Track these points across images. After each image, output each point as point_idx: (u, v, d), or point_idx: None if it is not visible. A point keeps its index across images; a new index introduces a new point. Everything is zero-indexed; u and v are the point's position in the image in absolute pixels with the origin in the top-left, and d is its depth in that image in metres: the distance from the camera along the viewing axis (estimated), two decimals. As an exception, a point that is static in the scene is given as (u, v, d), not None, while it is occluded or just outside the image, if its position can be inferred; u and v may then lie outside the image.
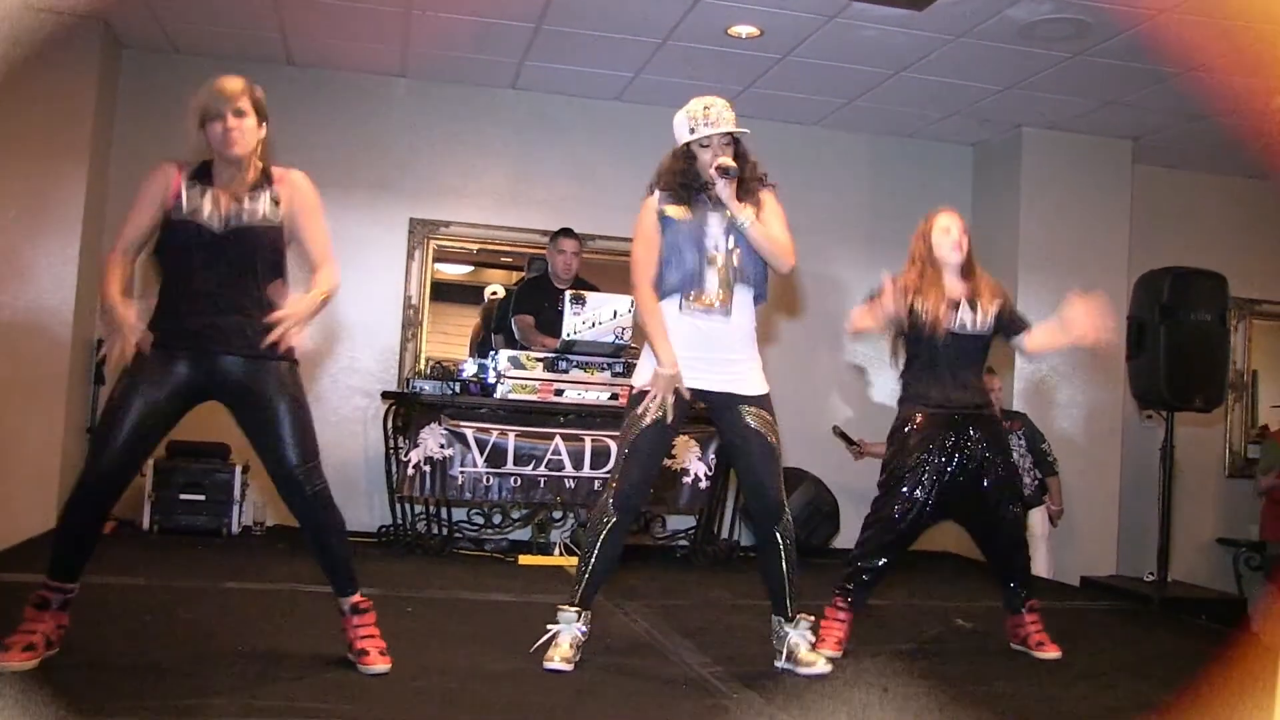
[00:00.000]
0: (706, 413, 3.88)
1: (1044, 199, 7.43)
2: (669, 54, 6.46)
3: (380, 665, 3.33)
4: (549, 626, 3.63)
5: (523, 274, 7.50)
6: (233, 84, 3.33)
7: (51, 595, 3.20)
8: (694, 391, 3.70)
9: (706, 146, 3.65)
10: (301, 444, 3.32)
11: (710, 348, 3.67)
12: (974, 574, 6.46)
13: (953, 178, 7.92)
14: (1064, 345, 4.26)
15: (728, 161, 3.58)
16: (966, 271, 4.22)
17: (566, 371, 6.01)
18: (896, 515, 4.06)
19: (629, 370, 6.07)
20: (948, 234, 4.18)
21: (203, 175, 3.35)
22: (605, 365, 6.05)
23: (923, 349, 4.18)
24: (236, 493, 6.30)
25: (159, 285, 3.35)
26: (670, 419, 3.65)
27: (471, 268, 8.19)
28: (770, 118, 7.48)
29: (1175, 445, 6.30)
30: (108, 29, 6.36)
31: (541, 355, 6.03)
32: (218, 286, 3.29)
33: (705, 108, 3.65)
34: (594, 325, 5.92)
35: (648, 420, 3.64)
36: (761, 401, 3.70)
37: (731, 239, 3.68)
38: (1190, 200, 8.11)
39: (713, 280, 3.66)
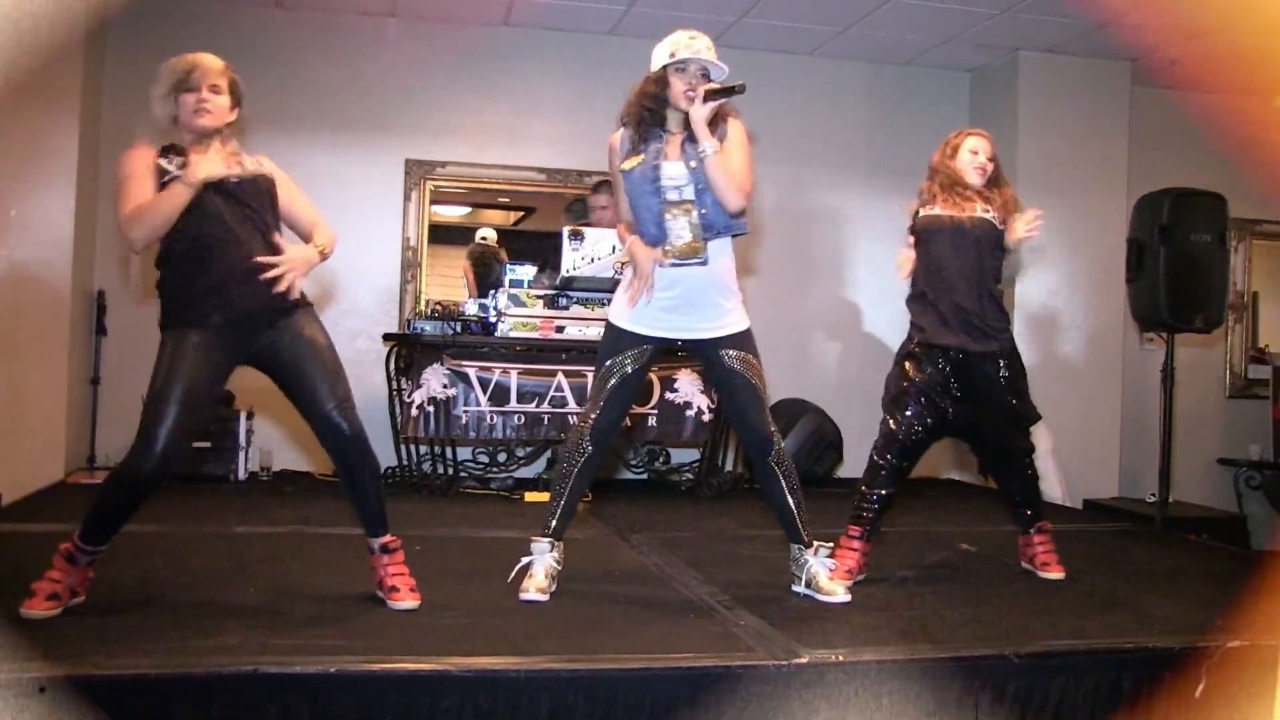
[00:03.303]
0: (690, 356, 3.91)
1: (1042, 123, 7.38)
2: (661, -15, 6.39)
3: (410, 601, 3.37)
4: (522, 559, 3.68)
5: (521, 215, 7.47)
6: (212, 60, 3.36)
7: (80, 555, 3.22)
8: (676, 341, 3.74)
9: (681, 71, 3.58)
10: (335, 385, 3.34)
11: (689, 297, 3.65)
12: (978, 500, 6.52)
13: (950, 105, 7.86)
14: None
15: (714, 85, 3.54)
16: (986, 194, 4.17)
17: (567, 308, 6.02)
18: (899, 437, 4.05)
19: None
20: (975, 155, 4.14)
21: (177, 151, 3.32)
22: (605, 300, 6.04)
23: (929, 263, 4.13)
24: (242, 439, 6.33)
25: (168, 271, 3.30)
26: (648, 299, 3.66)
27: (469, 209, 8.16)
28: (765, 48, 7.42)
29: (1176, 367, 6.31)
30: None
31: (541, 293, 6.03)
32: (233, 244, 3.26)
33: (690, 37, 3.60)
34: (593, 261, 5.91)
35: (637, 301, 3.66)
36: (740, 340, 3.68)
37: (698, 185, 3.61)
38: (1189, 121, 8.05)
39: (683, 228, 3.62)
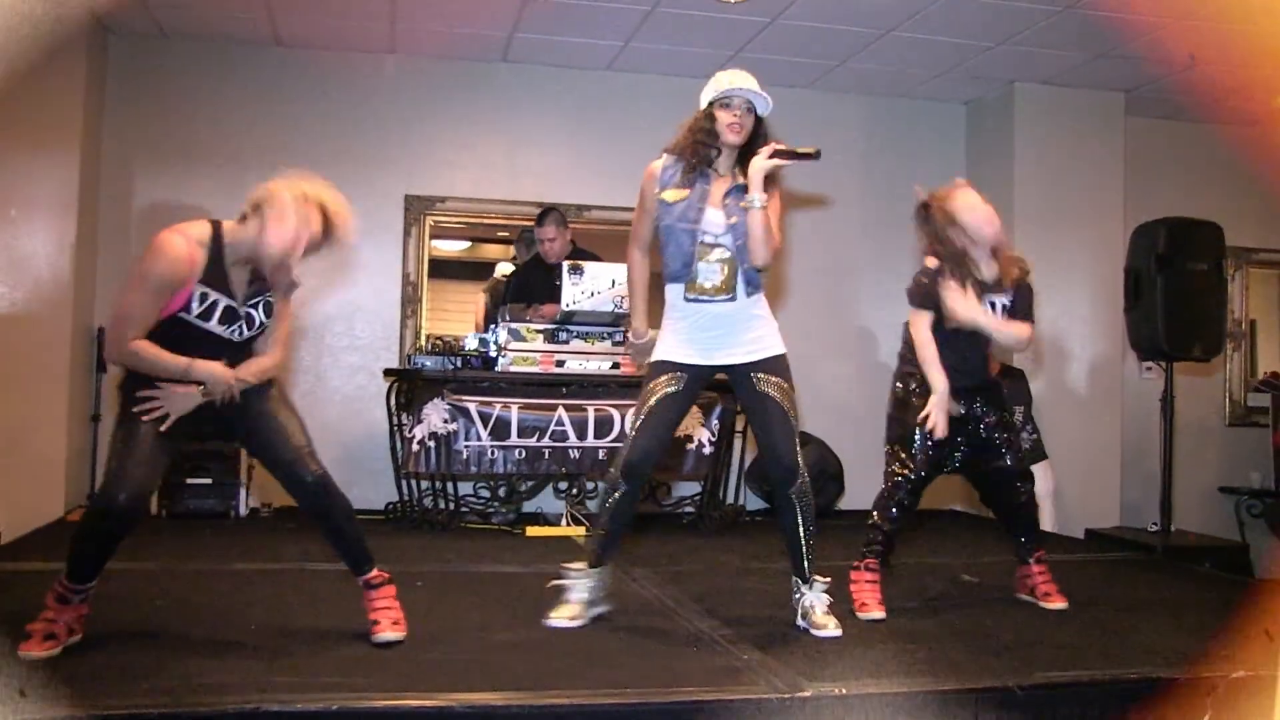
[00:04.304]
0: (727, 381, 3.91)
1: (1038, 154, 7.43)
2: (658, 21, 6.43)
3: (389, 634, 3.36)
4: (557, 582, 3.76)
5: (516, 247, 7.49)
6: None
7: (71, 594, 3.22)
8: (715, 368, 3.76)
9: (726, 106, 3.67)
10: (292, 434, 3.38)
11: (719, 329, 3.72)
12: (979, 531, 6.51)
13: (946, 136, 7.92)
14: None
15: (785, 147, 3.64)
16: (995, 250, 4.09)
17: (567, 342, 6.03)
18: (907, 473, 4.05)
19: (629, 339, 6.10)
20: (974, 211, 4.01)
21: (216, 272, 3.27)
22: (605, 334, 6.06)
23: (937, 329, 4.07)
24: (242, 475, 6.32)
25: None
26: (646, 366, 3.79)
27: (468, 243, 8.19)
28: (762, 81, 7.42)
29: (1175, 395, 6.32)
30: (93, 16, 6.32)
31: (542, 327, 6.04)
32: (223, 352, 3.33)
33: (734, 72, 3.72)
34: (593, 295, 5.92)
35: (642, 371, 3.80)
36: (774, 365, 3.74)
37: (736, 231, 3.66)
38: (1184, 150, 8.10)
39: (714, 271, 3.68)
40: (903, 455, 4.09)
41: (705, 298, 3.69)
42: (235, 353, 3.35)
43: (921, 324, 4.04)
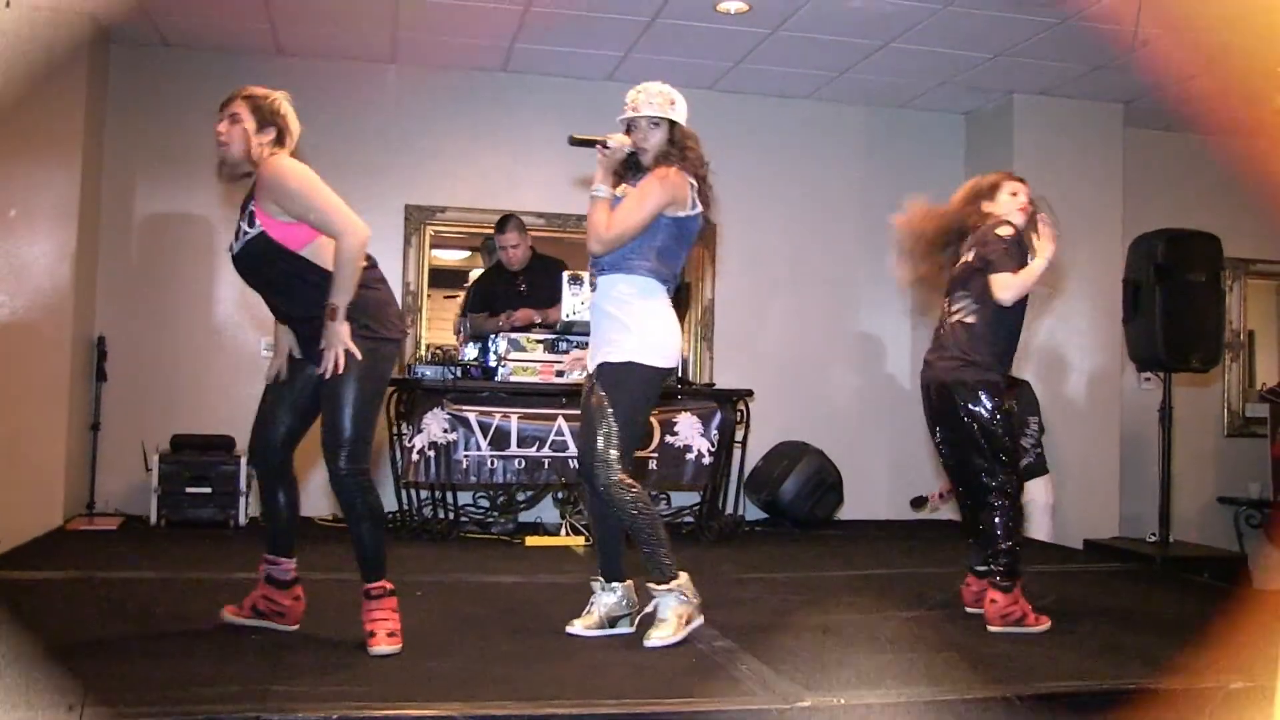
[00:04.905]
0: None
1: (1037, 165, 7.37)
2: (658, 32, 6.45)
3: (384, 647, 3.35)
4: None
5: (482, 254, 7.51)
6: (234, 91, 3.64)
7: (261, 566, 3.62)
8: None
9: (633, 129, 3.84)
10: (337, 422, 3.37)
11: (593, 321, 3.82)
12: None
13: (945, 147, 7.92)
14: None
15: (576, 136, 3.81)
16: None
17: (567, 352, 6.03)
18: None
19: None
20: (1015, 197, 4.46)
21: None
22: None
23: (1010, 314, 4.21)
24: (242, 484, 6.31)
25: None
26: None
27: (468, 253, 8.20)
28: (761, 92, 7.49)
29: (1174, 406, 6.33)
30: (95, 24, 6.33)
31: (541, 337, 6.05)
32: (267, 298, 3.59)
33: (628, 92, 3.92)
34: (593, 306, 5.93)
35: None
36: (602, 372, 3.70)
37: None
38: (1183, 162, 8.12)
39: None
40: (1014, 450, 4.10)
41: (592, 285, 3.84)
42: (268, 274, 3.50)
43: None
